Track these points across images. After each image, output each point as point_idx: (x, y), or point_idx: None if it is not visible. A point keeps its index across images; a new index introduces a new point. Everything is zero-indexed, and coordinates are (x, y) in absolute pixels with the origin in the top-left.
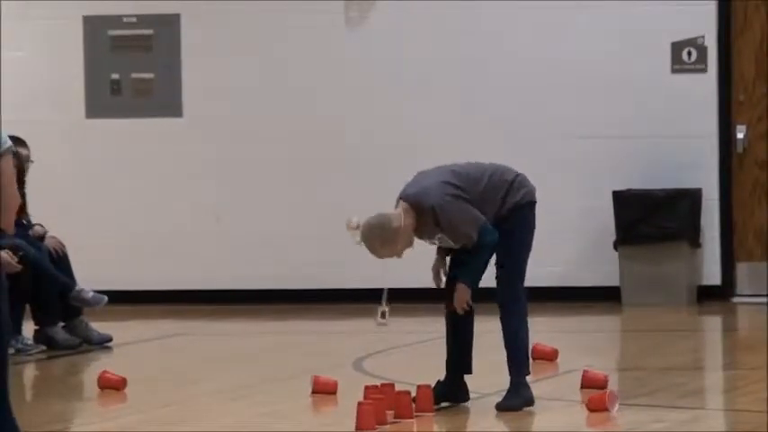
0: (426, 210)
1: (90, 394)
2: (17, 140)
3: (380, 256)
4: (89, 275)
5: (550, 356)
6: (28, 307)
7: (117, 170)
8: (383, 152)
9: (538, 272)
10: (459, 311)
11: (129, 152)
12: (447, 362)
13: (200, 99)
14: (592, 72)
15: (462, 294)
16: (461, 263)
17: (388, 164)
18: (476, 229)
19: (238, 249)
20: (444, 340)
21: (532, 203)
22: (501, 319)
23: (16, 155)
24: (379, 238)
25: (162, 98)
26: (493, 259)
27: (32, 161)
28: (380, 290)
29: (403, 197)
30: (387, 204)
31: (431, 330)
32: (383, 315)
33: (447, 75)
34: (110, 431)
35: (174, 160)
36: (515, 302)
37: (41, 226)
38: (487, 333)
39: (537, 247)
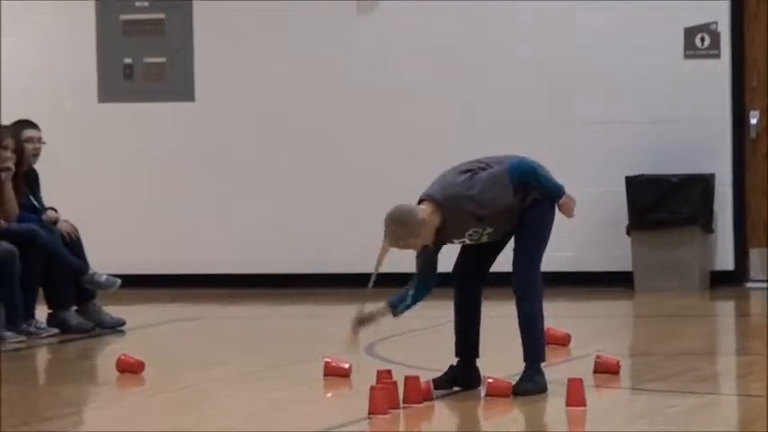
0: (463, 201)
1: (105, 378)
2: (27, 123)
3: (399, 246)
4: (102, 259)
5: (563, 341)
6: (41, 291)
7: (129, 154)
8: (398, 136)
9: (551, 257)
10: (573, 216)
11: (141, 136)
12: (456, 347)
13: (212, 83)
14: (605, 58)
15: (571, 203)
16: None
17: (402, 148)
18: (511, 188)
19: (251, 234)
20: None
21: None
22: (517, 304)
23: (16, 137)
24: (402, 228)
25: (174, 82)
26: (509, 246)
27: (44, 142)
28: (395, 275)
29: (428, 197)
30: (401, 186)
31: (443, 315)
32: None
33: (466, 58)
34: (126, 414)
35: (186, 144)
36: (532, 289)
37: (54, 210)
38: (501, 318)
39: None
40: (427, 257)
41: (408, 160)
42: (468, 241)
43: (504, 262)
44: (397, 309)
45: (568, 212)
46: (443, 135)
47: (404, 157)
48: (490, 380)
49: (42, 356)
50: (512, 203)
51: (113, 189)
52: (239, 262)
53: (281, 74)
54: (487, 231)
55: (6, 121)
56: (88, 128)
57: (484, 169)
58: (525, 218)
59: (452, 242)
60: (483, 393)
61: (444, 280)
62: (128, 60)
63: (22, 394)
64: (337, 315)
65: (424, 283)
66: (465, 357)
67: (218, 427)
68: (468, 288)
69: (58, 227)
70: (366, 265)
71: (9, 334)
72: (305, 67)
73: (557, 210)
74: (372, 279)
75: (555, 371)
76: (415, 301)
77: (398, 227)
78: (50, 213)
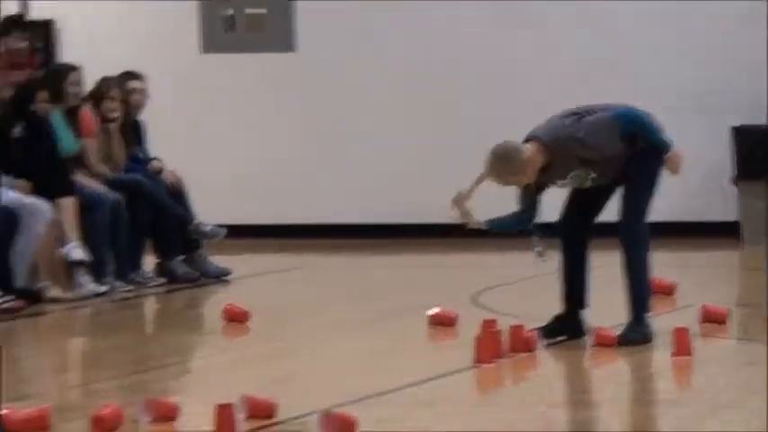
0: (570, 143)
1: (211, 327)
2: (132, 74)
3: (501, 182)
4: (206, 209)
5: (668, 291)
6: (148, 241)
7: (231, 105)
8: (503, 85)
9: (656, 206)
10: (678, 173)
11: (243, 87)
12: (562, 296)
13: (313, 34)
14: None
15: (679, 159)
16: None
17: (511, 96)
18: (618, 135)
19: (356, 183)
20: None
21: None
22: (623, 254)
23: (121, 88)
24: (506, 165)
25: (275, 34)
26: (617, 195)
27: (149, 96)
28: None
29: (534, 137)
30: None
31: (549, 265)
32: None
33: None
34: (231, 363)
35: (287, 94)
36: (638, 239)
37: (159, 160)
38: (607, 268)
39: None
40: (530, 195)
41: (521, 116)
42: (571, 184)
43: (611, 211)
44: (492, 222)
45: (675, 169)
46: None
47: (515, 114)
48: (597, 330)
49: (150, 305)
50: (618, 150)
51: (216, 139)
52: (343, 211)
53: (381, 25)
54: (591, 176)
55: (113, 73)
56: (191, 79)
57: (590, 114)
58: (632, 167)
59: (555, 184)
60: (589, 343)
61: (552, 229)
62: (229, 12)
63: (130, 343)
64: (443, 264)
65: (524, 213)
66: (571, 307)
67: (322, 375)
68: (575, 237)
69: (162, 177)
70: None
71: (118, 283)
72: (408, 19)
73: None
74: (467, 197)
75: (660, 321)
76: (509, 224)
77: (502, 163)
78: (155, 164)
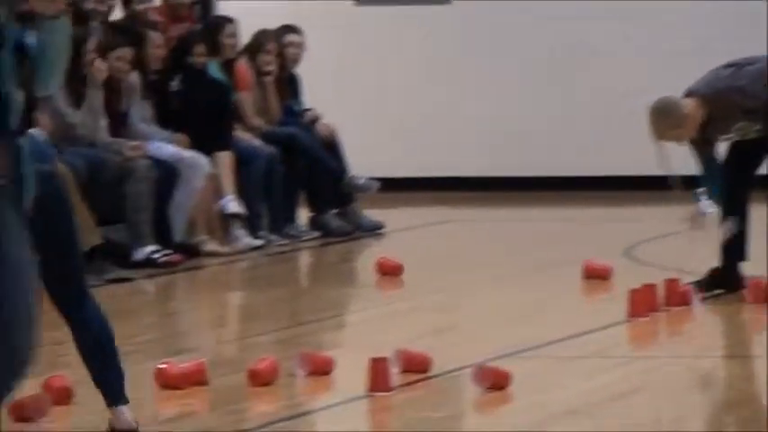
0: (731, 93)
1: (365, 280)
2: (290, 28)
3: (662, 138)
4: (360, 162)
5: None
6: (302, 194)
7: (386, 56)
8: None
9: None
10: None
11: (397, 39)
12: (721, 248)
13: None
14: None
15: None
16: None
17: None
18: None
19: (511, 135)
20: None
21: None
22: None
23: (278, 41)
24: (665, 119)
25: None
26: None
27: (306, 49)
28: (665, 176)
29: (694, 92)
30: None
31: (707, 218)
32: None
33: None
34: (386, 316)
35: (440, 46)
36: None
37: (315, 110)
38: (762, 219)
39: None
40: (706, 155)
41: (658, 73)
42: (735, 137)
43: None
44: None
45: None
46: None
47: (649, 69)
48: (753, 282)
49: (304, 259)
50: None
51: (370, 92)
52: (497, 164)
53: None
54: (756, 128)
55: (268, 26)
56: (346, 31)
57: (751, 64)
58: None
59: (718, 139)
60: (746, 298)
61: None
62: None
63: (285, 297)
64: (597, 217)
65: (709, 171)
66: (729, 260)
67: (476, 329)
68: (736, 189)
69: (316, 130)
70: (620, 169)
71: (273, 237)
72: None
73: None
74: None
75: None
76: (710, 182)
77: (661, 118)
78: (311, 113)
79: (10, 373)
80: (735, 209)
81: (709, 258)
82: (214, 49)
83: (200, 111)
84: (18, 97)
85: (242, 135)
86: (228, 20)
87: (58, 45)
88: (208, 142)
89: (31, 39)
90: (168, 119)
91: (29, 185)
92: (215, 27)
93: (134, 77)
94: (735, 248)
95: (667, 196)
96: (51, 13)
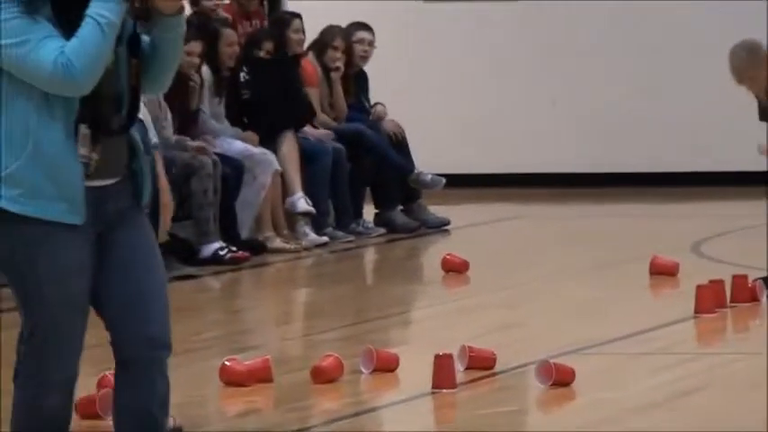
0: None
1: (431, 277)
2: (361, 25)
3: (740, 79)
4: (427, 159)
5: None
6: (368, 191)
7: (455, 52)
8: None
9: None
10: None
11: (466, 35)
12: None
13: None
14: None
15: None
16: None
17: None
18: None
19: (576, 132)
20: None
21: None
22: None
23: (346, 38)
24: (748, 57)
25: None
26: None
27: (375, 46)
28: (722, 173)
29: None
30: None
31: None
32: None
33: None
34: (451, 313)
35: (511, 43)
36: None
37: (382, 105)
38: None
39: None
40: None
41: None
42: None
43: None
44: None
45: None
46: None
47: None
48: None
49: (369, 256)
50: None
51: (438, 88)
52: (562, 160)
53: None
54: None
55: (337, 22)
56: (414, 27)
57: None
58: None
59: None
60: None
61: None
62: None
63: (351, 293)
64: (664, 213)
65: None
66: None
67: (542, 325)
68: None
69: (383, 126)
70: (689, 166)
71: (339, 233)
72: None
73: None
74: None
75: None
76: None
77: (745, 54)
78: (379, 108)
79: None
80: None
81: None
82: (281, 44)
83: (269, 103)
84: (129, 93)
85: (309, 131)
86: (295, 15)
87: (173, 44)
88: (275, 134)
89: (144, 36)
90: (240, 114)
91: (145, 180)
92: (281, 23)
93: (205, 73)
94: None
95: (735, 192)
96: (172, 12)
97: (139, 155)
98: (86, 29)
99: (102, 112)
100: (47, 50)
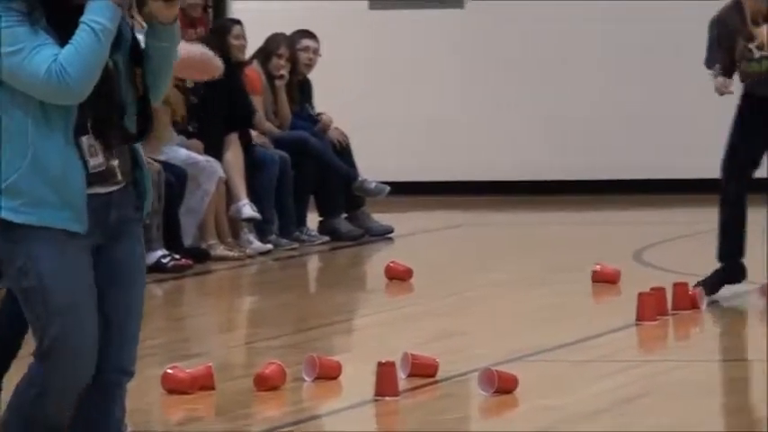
0: None
1: (374, 285)
2: (306, 33)
3: (755, 18)
4: (371, 166)
5: None
6: (312, 198)
7: (399, 61)
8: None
9: None
10: None
11: (410, 43)
12: (720, 248)
13: None
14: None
15: None
16: None
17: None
18: None
19: (518, 140)
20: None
21: None
22: None
23: (290, 45)
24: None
25: None
26: None
27: (320, 54)
28: (663, 180)
29: None
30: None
31: (708, 220)
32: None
33: None
34: (395, 321)
35: (454, 51)
36: None
37: (328, 116)
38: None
39: None
40: None
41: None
42: None
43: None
44: None
45: None
46: None
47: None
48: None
49: (313, 263)
50: None
51: (382, 96)
52: (505, 168)
53: None
54: None
55: (281, 30)
56: (359, 35)
57: None
58: None
59: None
60: (761, 300)
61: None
62: None
63: (294, 301)
64: (605, 221)
65: None
66: (732, 256)
67: (484, 333)
68: (744, 181)
69: (328, 134)
70: (630, 174)
71: (283, 241)
72: None
73: None
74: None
75: None
76: None
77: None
78: (324, 117)
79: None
80: (739, 202)
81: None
82: (223, 51)
83: (214, 109)
84: (134, 102)
85: (254, 139)
86: (235, 21)
87: (167, 53)
88: (220, 143)
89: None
90: (186, 121)
91: (148, 189)
92: (222, 30)
93: None
94: (738, 244)
95: (676, 200)
96: (167, 20)
97: (142, 163)
98: (81, 35)
99: (108, 120)
100: (41, 58)
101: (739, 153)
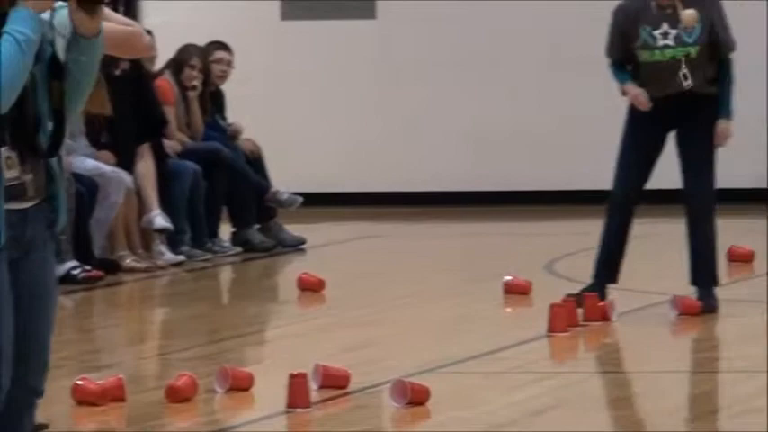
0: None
1: (286, 296)
2: (219, 44)
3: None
4: (283, 177)
5: (747, 258)
6: (225, 209)
7: (311, 72)
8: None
9: (733, 173)
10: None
11: (323, 54)
12: (599, 265)
13: (393, 1)
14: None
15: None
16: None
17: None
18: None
19: (431, 151)
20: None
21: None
22: (692, 223)
23: (203, 57)
24: None
25: (355, 1)
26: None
27: (233, 66)
28: (575, 191)
29: None
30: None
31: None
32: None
33: None
34: (307, 332)
35: (367, 62)
36: (708, 205)
37: (237, 123)
38: (655, 236)
39: (734, 146)
40: None
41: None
42: (659, 56)
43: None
44: None
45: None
46: None
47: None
48: (679, 298)
49: (226, 274)
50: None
51: (295, 107)
52: (418, 180)
53: None
54: (684, 72)
55: (194, 40)
56: (271, 46)
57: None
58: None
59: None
60: (672, 312)
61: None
62: None
63: (206, 312)
64: (517, 232)
65: None
66: (603, 278)
67: (396, 344)
68: (632, 208)
69: (240, 145)
70: (541, 185)
71: (196, 252)
72: None
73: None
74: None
75: (737, 288)
76: None
77: None
78: (235, 126)
79: None
80: (626, 228)
81: (627, 273)
82: (134, 61)
83: (125, 119)
84: (49, 116)
85: (166, 149)
86: (145, 31)
87: (90, 67)
88: (133, 154)
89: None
90: (98, 132)
91: (61, 207)
92: None
93: None
94: (614, 268)
95: (586, 211)
96: (91, 33)
97: (57, 179)
98: (4, 45)
99: (23, 133)
100: None
101: (631, 159)
